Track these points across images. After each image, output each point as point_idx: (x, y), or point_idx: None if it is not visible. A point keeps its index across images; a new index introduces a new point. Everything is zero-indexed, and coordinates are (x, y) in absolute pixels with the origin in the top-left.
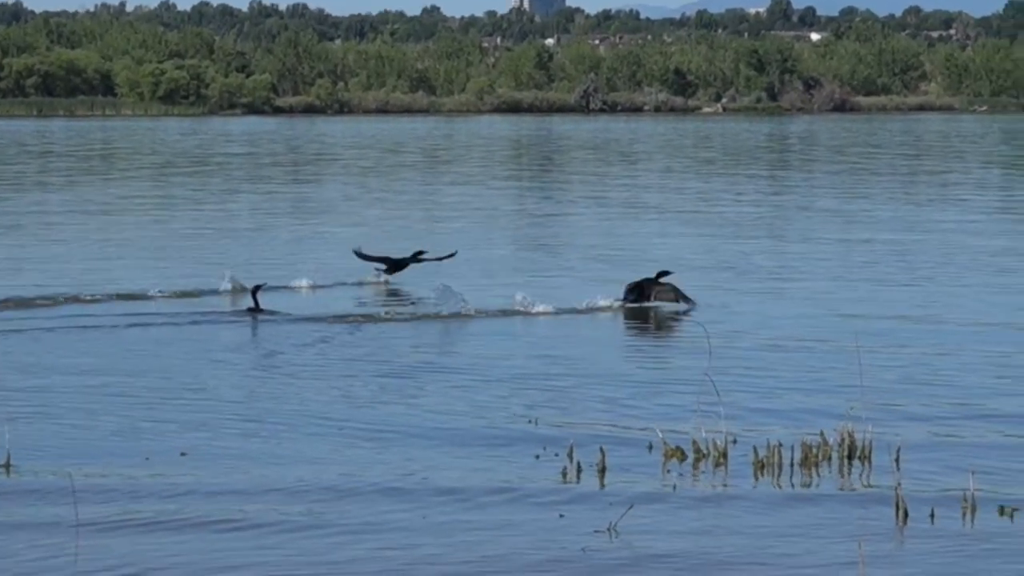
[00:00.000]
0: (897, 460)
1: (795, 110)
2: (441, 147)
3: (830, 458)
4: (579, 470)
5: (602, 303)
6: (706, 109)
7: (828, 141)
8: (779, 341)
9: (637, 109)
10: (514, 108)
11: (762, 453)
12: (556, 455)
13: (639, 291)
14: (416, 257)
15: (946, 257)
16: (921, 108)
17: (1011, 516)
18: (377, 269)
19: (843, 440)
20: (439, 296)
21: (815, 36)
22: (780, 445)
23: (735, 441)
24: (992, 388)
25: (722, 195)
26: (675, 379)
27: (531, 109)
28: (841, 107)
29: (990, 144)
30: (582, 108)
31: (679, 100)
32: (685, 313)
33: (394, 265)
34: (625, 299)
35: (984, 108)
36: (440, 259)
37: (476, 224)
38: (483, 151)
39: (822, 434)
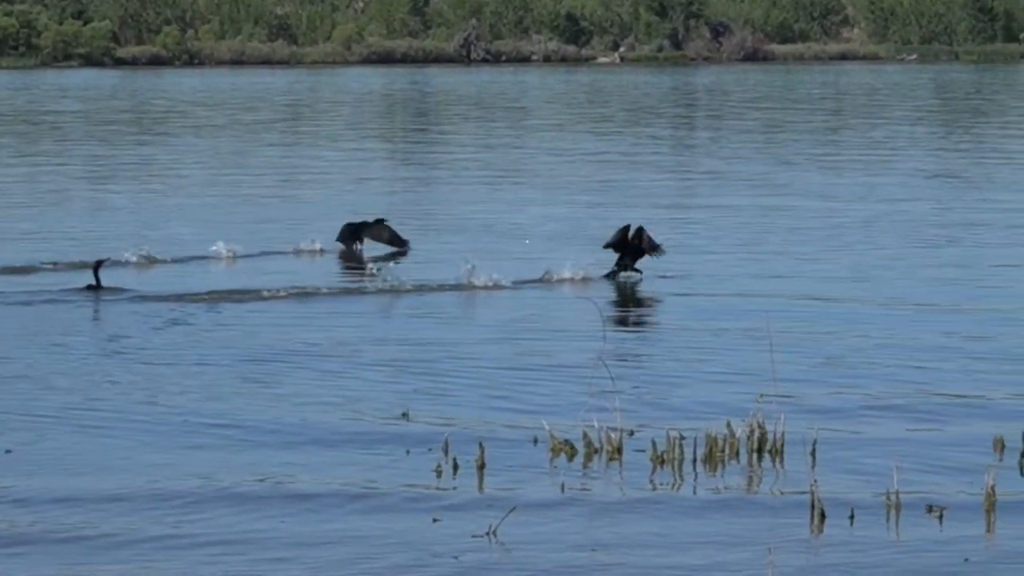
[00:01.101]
0: (813, 454)
1: (702, 60)
2: (303, 103)
3: (738, 453)
4: (455, 468)
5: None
6: (602, 59)
7: (740, 94)
8: (682, 323)
9: (524, 59)
10: (386, 59)
11: (661, 447)
12: (429, 450)
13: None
14: (376, 225)
15: (869, 227)
16: (843, 57)
17: (940, 517)
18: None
19: (752, 433)
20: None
21: None
22: (682, 438)
23: (631, 434)
24: (918, 375)
25: (619, 158)
26: (566, 364)
27: (405, 60)
28: (753, 56)
29: (921, 97)
30: (462, 58)
31: (571, 49)
32: (583, 293)
33: (352, 234)
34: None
35: (913, 57)
36: (398, 242)
37: (342, 192)
38: (350, 108)
39: (729, 426)
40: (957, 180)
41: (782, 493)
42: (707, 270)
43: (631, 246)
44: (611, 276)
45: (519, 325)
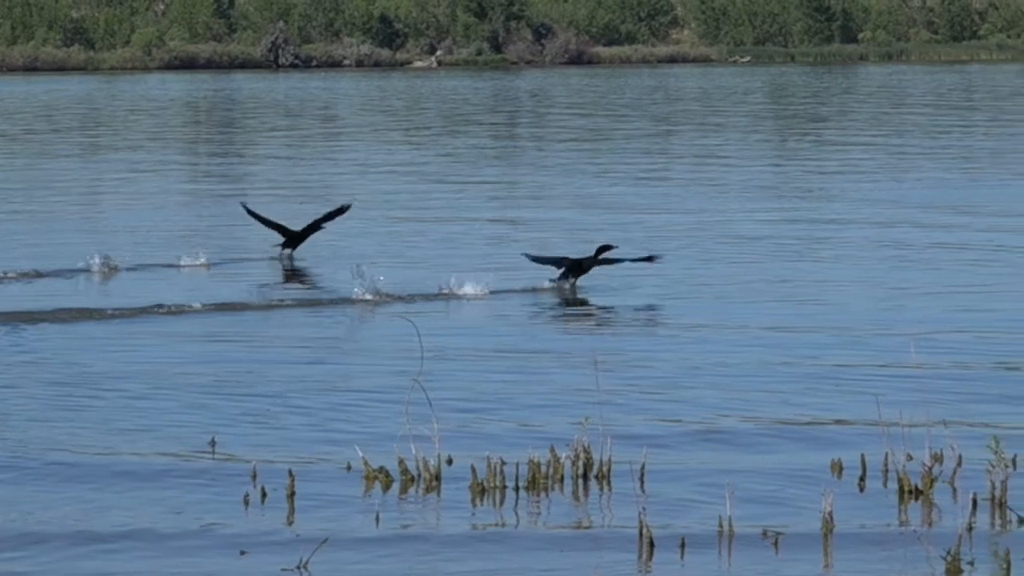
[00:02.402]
0: (642, 479)
1: (523, 63)
2: (101, 112)
3: (562, 479)
4: (264, 497)
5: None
6: (418, 63)
7: (564, 100)
8: (506, 344)
9: (336, 64)
10: (189, 64)
11: (482, 474)
12: (237, 479)
13: (578, 268)
14: (316, 225)
15: (699, 242)
16: (672, 60)
17: (775, 543)
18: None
19: (577, 457)
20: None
21: None
22: (503, 464)
23: (450, 461)
24: (749, 399)
25: (435, 170)
26: (383, 388)
27: (209, 65)
28: (578, 59)
29: (754, 102)
30: (270, 63)
31: (385, 53)
32: (397, 313)
33: (295, 237)
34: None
35: (747, 59)
36: (330, 216)
37: (141, 209)
38: (150, 117)
39: (552, 451)
40: (791, 191)
41: (609, 525)
42: (526, 284)
43: (587, 263)
44: (559, 280)
45: (336, 345)
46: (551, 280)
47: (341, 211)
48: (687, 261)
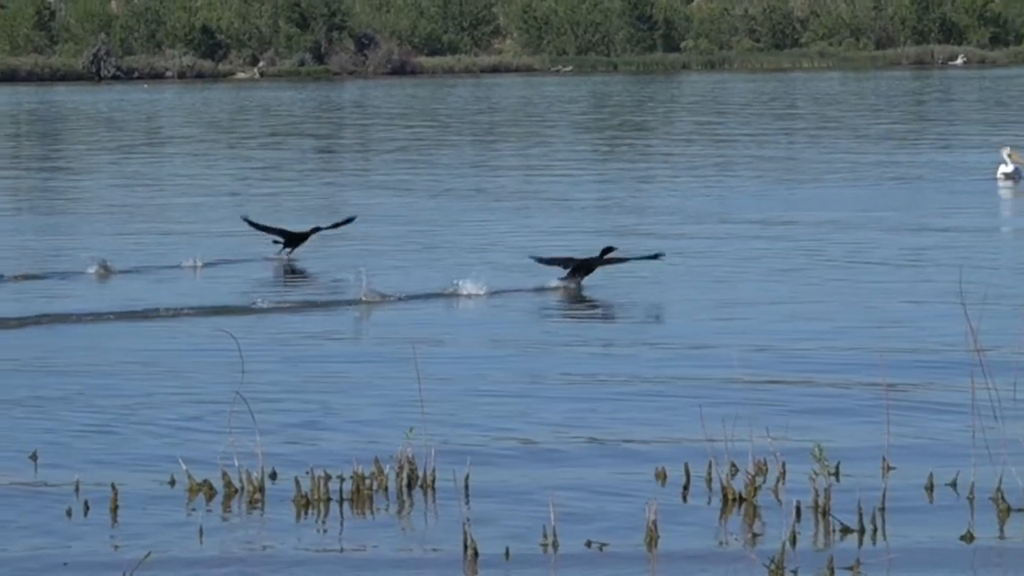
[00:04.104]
0: (467, 492)
1: (346, 74)
2: None
3: (387, 490)
4: (87, 509)
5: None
6: (240, 74)
7: (387, 110)
8: (322, 353)
9: (158, 75)
10: (10, 77)
11: (306, 486)
12: (59, 493)
13: (585, 268)
14: (317, 230)
15: (521, 258)
16: (496, 69)
17: (600, 552)
18: (276, 242)
19: (401, 468)
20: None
21: None
22: (327, 477)
23: (274, 475)
24: (569, 414)
25: (257, 184)
26: (208, 399)
27: (30, 78)
28: (401, 69)
29: (579, 111)
30: (92, 75)
31: (208, 64)
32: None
33: (293, 239)
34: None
35: (569, 69)
36: (336, 225)
37: None
38: None
39: (376, 462)
40: (614, 205)
41: (433, 539)
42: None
43: (594, 262)
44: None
45: (160, 356)
46: (559, 279)
47: (348, 221)
48: (517, 276)
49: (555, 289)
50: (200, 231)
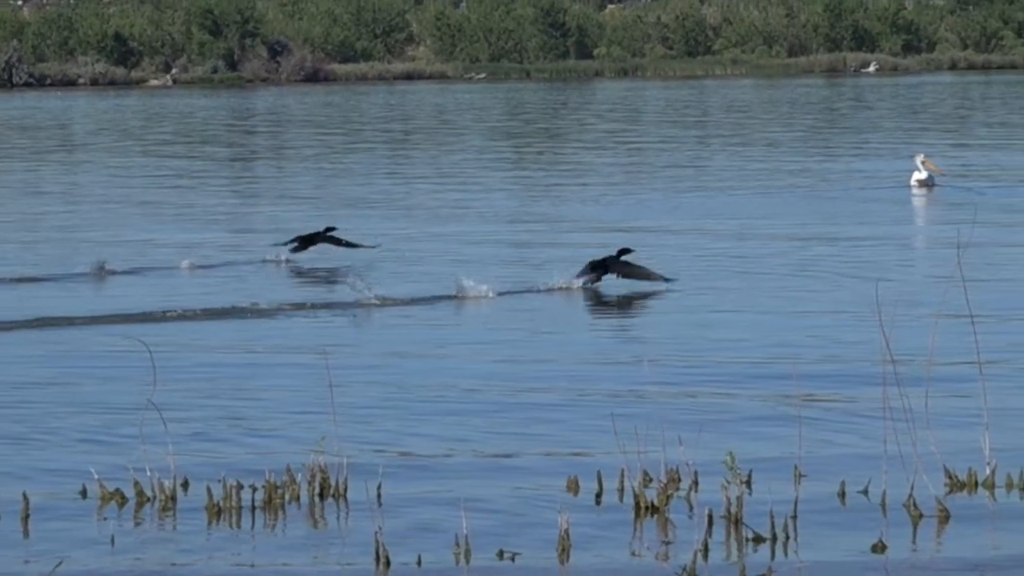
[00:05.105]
0: (379, 499)
1: (260, 81)
2: None
3: (299, 498)
4: None
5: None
6: (153, 81)
7: (301, 118)
8: (235, 356)
9: (71, 83)
10: None
11: (218, 495)
12: None
13: (602, 268)
14: (328, 234)
15: (431, 267)
16: (409, 77)
17: (512, 559)
18: (288, 244)
19: (313, 477)
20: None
21: None
22: (239, 486)
23: (186, 483)
24: (480, 423)
25: (192, 192)
26: (119, 407)
27: None
28: (314, 77)
29: (493, 119)
30: (4, 83)
31: (121, 71)
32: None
33: (303, 241)
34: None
35: (482, 76)
36: (354, 245)
37: None
38: None
39: (288, 471)
40: (525, 214)
41: (345, 552)
42: (228, 298)
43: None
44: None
45: (71, 365)
46: (578, 276)
47: (367, 247)
48: (432, 284)
49: (560, 289)
50: (109, 239)
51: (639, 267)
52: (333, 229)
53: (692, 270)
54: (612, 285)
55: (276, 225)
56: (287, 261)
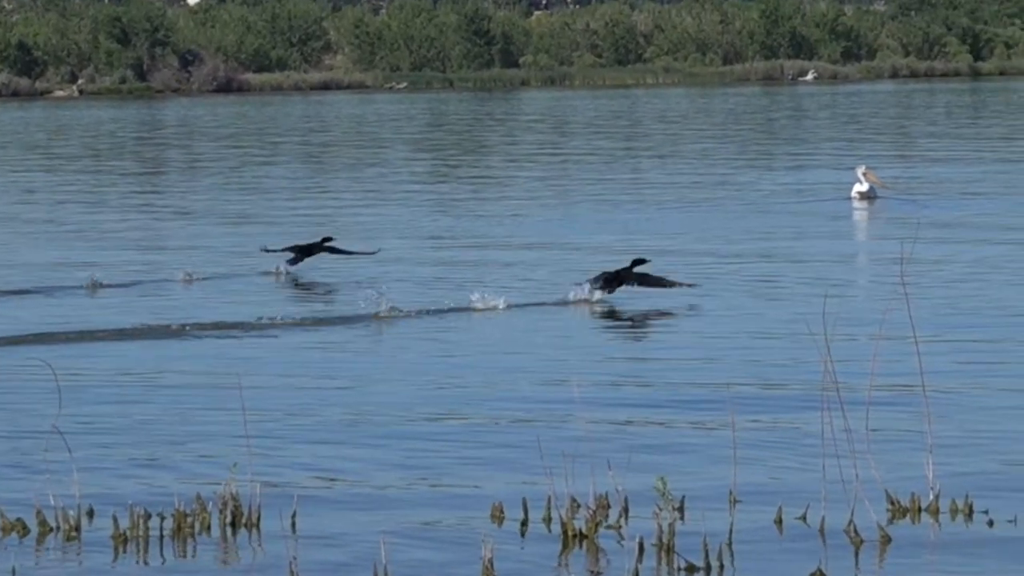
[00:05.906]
0: (293, 528)
1: (170, 91)
2: None
3: (210, 528)
4: None
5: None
6: (59, 92)
7: (213, 130)
8: (150, 383)
9: None
10: None
11: (124, 524)
12: None
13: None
14: (326, 244)
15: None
16: (326, 86)
17: None
18: (284, 255)
19: (225, 504)
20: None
21: (193, 0)
22: (147, 515)
23: (91, 513)
24: (405, 453)
25: (96, 209)
26: (20, 431)
27: None
28: (227, 87)
29: (414, 130)
30: None
31: (25, 82)
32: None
33: (301, 252)
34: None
35: (404, 85)
36: (353, 253)
37: None
38: None
39: (199, 498)
40: (449, 233)
41: (258, 565)
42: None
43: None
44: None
45: None
46: (590, 283)
47: (367, 254)
48: (344, 307)
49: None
50: (8, 261)
51: (656, 277)
52: (331, 239)
53: (620, 290)
54: (612, 298)
55: (189, 243)
56: (287, 273)
